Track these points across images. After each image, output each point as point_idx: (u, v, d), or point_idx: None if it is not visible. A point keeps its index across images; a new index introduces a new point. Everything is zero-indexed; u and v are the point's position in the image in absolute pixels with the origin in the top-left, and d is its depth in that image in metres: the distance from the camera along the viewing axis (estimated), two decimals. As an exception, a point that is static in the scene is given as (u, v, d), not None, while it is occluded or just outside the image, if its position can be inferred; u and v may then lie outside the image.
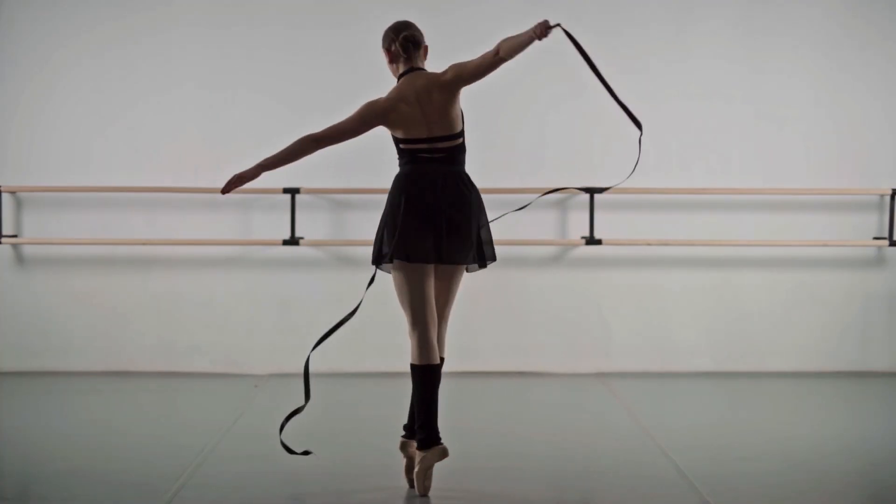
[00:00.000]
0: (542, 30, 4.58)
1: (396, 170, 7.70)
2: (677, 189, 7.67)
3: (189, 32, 7.67)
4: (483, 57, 4.66)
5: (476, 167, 7.71)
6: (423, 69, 4.85)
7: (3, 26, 7.61)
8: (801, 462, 5.30)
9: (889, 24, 7.79)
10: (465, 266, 4.77)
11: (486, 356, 7.78)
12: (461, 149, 4.83)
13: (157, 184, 7.65)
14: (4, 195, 7.64)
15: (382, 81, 7.74)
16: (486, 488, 4.84)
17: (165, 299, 7.71)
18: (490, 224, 4.82)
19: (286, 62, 7.70)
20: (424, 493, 4.64)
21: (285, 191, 7.57)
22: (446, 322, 4.83)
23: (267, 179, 7.66)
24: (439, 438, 4.66)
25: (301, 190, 7.58)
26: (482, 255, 4.76)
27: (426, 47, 4.93)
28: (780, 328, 7.82)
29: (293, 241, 7.56)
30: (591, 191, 7.54)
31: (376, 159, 7.72)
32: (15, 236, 7.63)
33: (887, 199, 7.77)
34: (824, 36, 7.75)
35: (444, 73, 4.72)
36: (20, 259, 7.70)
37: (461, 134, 4.80)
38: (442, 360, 4.77)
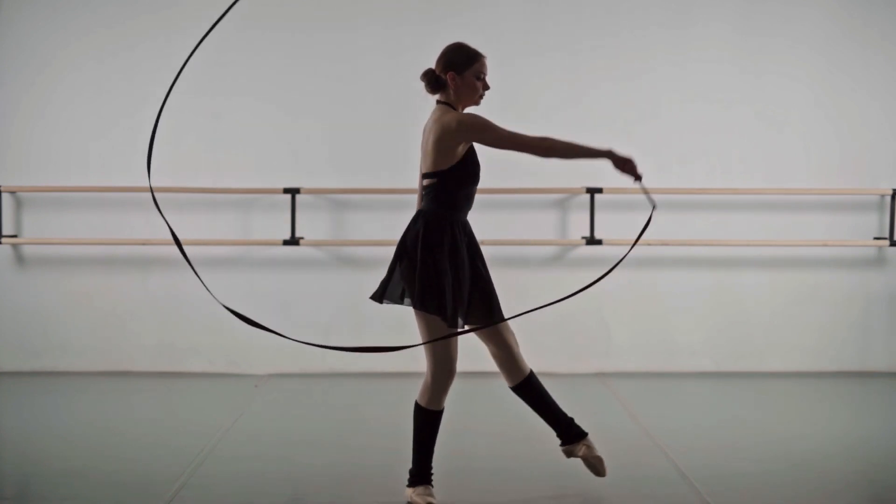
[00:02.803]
0: (630, 168, 4.59)
1: (395, 169, 7.77)
2: (677, 189, 7.67)
3: (190, 36, 7.66)
4: (526, 139, 4.39)
5: (481, 166, 7.74)
6: (441, 103, 4.56)
7: (4, 27, 7.61)
8: (801, 462, 5.30)
9: (888, 25, 7.79)
10: (415, 309, 4.48)
11: (485, 356, 7.75)
12: (433, 188, 4.49)
13: (157, 184, 7.64)
14: (4, 195, 7.64)
15: (382, 88, 7.76)
16: (486, 488, 4.85)
17: (165, 299, 7.71)
18: (426, 265, 4.45)
19: (286, 67, 7.69)
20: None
21: (285, 191, 7.57)
22: (427, 368, 4.56)
23: (267, 179, 7.71)
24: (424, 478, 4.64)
25: (301, 190, 7.58)
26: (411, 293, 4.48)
27: (449, 77, 4.51)
28: (780, 328, 7.82)
29: (293, 241, 7.56)
30: (593, 191, 7.58)
31: (376, 160, 7.73)
32: (15, 236, 7.63)
33: (887, 199, 7.77)
34: (824, 37, 7.75)
35: (459, 120, 4.42)
36: (20, 259, 7.70)
37: (437, 175, 4.47)
38: (416, 404, 4.60)
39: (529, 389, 4.74)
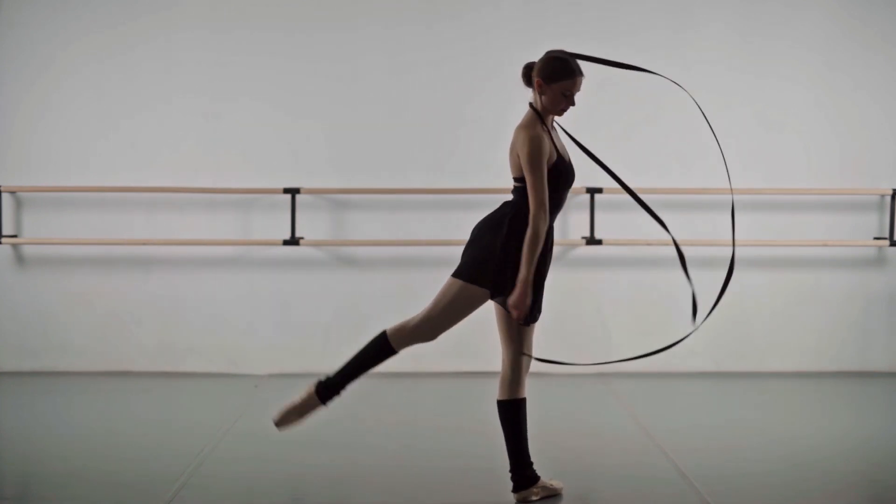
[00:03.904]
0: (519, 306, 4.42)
1: (395, 169, 7.77)
2: (677, 189, 7.67)
3: (190, 37, 7.67)
4: (534, 203, 4.41)
5: (482, 167, 7.75)
6: (531, 106, 4.65)
7: (5, 28, 7.61)
8: (801, 462, 5.29)
9: (888, 26, 7.79)
10: (456, 277, 4.53)
11: (486, 356, 7.77)
12: (522, 190, 4.52)
13: (156, 184, 7.65)
14: (4, 195, 7.64)
15: (382, 88, 7.76)
16: (486, 488, 4.84)
17: (165, 299, 7.71)
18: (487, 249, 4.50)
19: (286, 67, 7.69)
20: None
21: (285, 191, 7.57)
22: (418, 315, 4.57)
23: (267, 179, 7.70)
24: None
25: (301, 190, 7.58)
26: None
27: (536, 82, 4.60)
28: (781, 328, 7.82)
29: (293, 241, 7.56)
30: (592, 191, 7.58)
31: (376, 160, 7.73)
32: (15, 236, 7.63)
33: (887, 199, 7.77)
34: (824, 37, 7.75)
35: (520, 151, 4.50)
36: (20, 259, 7.70)
37: (522, 181, 4.51)
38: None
39: (514, 412, 4.64)
